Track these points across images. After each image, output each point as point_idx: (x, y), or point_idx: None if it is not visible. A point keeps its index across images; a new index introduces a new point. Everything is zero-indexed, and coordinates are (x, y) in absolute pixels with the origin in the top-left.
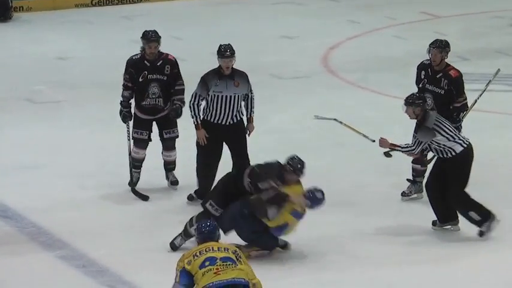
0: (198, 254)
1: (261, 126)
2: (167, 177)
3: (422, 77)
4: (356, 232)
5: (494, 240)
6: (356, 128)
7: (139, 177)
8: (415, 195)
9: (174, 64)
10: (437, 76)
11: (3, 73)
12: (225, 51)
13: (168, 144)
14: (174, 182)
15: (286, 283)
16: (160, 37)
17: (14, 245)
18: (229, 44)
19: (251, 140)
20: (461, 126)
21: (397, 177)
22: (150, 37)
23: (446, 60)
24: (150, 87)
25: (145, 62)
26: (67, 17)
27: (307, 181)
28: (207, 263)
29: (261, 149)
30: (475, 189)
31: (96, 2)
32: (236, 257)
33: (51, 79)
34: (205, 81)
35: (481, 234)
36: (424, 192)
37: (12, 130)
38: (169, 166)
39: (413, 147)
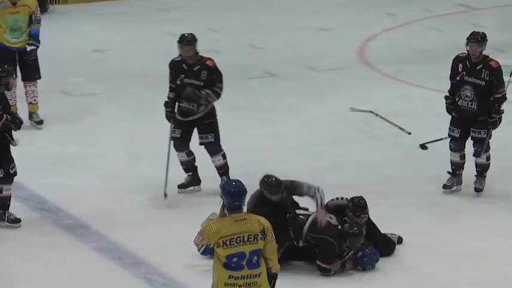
0: (228, 243)
1: (297, 118)
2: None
3: (460, 70)
4: (391, 224)
5: None
6: (392, 121)
7: (189, 182)
8: (456, 188)
9: (211, 70)
10: (478, 68)
11: (42, 65)
12: (182, 39)
13: (207, 150)
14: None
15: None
16: (195, 40)
17: (51, 237)
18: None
19: (289, 132)
20: (502, 118)
21: (434, 170)
22: (183, 41)
23: (483, 52)
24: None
25: (184, 65)
26: (103, 10)
27: (344, 174)
28: (234, 259)
29: (297, 140)
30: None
31: None
32: (262, 235)
33: (87, 71)
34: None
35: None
36: (464, 185)
37: (49, 123)
38: (219, 171)
39: None
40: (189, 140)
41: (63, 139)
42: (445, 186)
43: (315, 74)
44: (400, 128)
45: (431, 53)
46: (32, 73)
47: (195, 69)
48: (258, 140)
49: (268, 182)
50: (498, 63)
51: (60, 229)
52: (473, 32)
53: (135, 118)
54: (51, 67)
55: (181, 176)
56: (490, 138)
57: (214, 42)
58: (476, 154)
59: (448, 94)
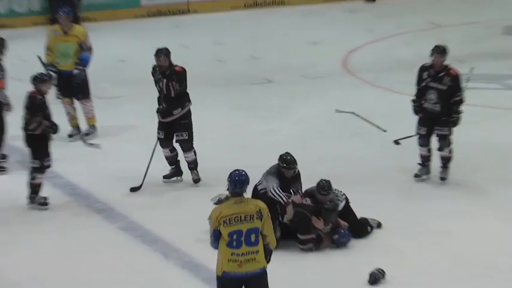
0: (228, 221)
1: (290, 117)
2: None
3: (425, 77)
4: (371, 208)
5: (485, 216)
6: (371, 120)
7: (172, 173)
8: (425, 177)
9: (179, 74)
10: (440, 75)
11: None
12: (159, 53)
13: (182, 147)
14: (196, 180)
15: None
16: (169, 53)
17: (82, 217)
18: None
19: (283, 129)
20: (461, 117)
21: (406, 162)
22: (159, 53)
23: (445, 62)
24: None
25: (159, 72)
26: (126, 26)
27: (329, 165)
28: (234, 236)
29: (290, 136)
30: (470, 172)
31: (152, 13)
32: (258, 216)
33: (112, 78)
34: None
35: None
36: (432, 174)
37: (83, 121)
38: (189, 166)
39: None
40: (172, 139)
41: (92, 134)
42: (416, 176)
43: (305, 81)
44: (378, 127)
45: (404, 63)
46: (79, 92)
47: (167, 73)
48: (257, 135)
49: (287, 158)
50: (457, 71)
51: (91, 211)
52: (436, 45)
53: (150, 118)
54: None
55: (166, 169)
56: (451, 134)
57: (220, 53)
58: (441, 148)
59: (414, 98)
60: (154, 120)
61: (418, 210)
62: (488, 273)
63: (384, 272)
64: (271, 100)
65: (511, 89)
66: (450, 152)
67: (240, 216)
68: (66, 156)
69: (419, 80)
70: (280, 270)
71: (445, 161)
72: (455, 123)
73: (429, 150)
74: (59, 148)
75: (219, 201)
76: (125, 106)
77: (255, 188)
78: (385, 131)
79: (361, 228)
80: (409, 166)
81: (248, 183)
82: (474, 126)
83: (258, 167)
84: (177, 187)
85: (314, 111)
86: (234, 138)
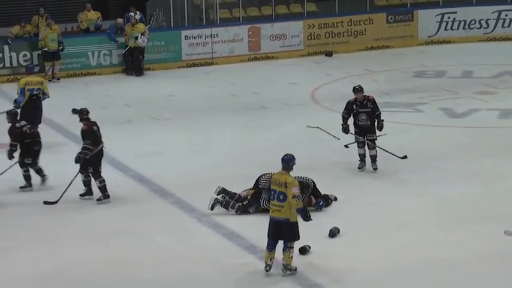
0: (273, 182)
1: (278, 131)
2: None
3: (355, 107)
4: (330, 187)
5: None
6: (329, 132)
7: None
8: (364, 168)
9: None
10: (364, 103)
11: (140, 104)
12: None
13: None
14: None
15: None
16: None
17: (145, 200)
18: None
19: (274, 138)
20: (383, 126)
21: (353, 158)
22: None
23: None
24: None
25: None
26: (173, 73)
27: (305, 161)
28: (272, 194)
29: (278, 143)
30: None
31: (189, 65)
32: (285, 185)
33: (164, 106)
34: None
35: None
36: (368, 166)
37: (145, 134)
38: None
39: None
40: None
41: (151, 143)
42: (358, 167)
43: (287, 107)
44: (334, 136)
45: (349, 96)
46: None
47: None
48: (257, 141)
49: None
50: (373, 96)
51: (153, 193)
52: (356, 86)
53: (190, 133)
54: (145, 104)
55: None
56: (376, 139)
57: (233, 90)
58: (370, 147)
59: (342, 123)
60: (193, 135)
61: (359, 189)
62: (405, 226)
63: (338, 229)
64: (266, 120)
65: (418, 112)
66: (376, 151)
67: (278, 182)
68: (135, 155)
69: (350, 109)
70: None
71: (374, 157)
72: (380, 128)
73: (364, 150)
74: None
75: (213, 206)
76: (172, 125)
77: (258, 181)
78: (338, 139)
79: (326, 199)
80: (353, 161)
81: (290, 163)
82: (392, 136)
83: (257, 162)
84: (213, 174)
85: (293, 127)
86: (242, 143)
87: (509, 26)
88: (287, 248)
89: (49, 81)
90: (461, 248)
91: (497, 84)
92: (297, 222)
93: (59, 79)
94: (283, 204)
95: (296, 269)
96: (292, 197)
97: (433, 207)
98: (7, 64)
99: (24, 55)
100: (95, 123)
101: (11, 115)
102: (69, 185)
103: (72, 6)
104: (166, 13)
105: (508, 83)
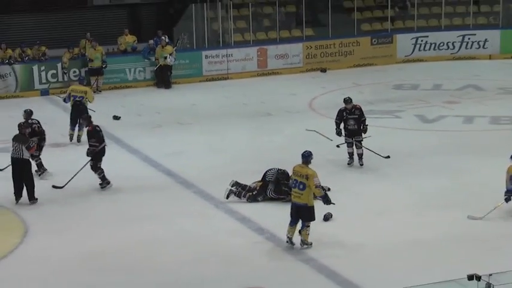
0: (294, 174)
1: (281, 134)
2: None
3: (345, 114)
4: (325, 179)
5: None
6: (324, 134)
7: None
8: (352, 163)
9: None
10: (352, 110)
11: (168, 111)
12: None
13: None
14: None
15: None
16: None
17: (170, 190)
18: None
19: (278, 140)
20: (367, 129)
21: (343, 156)
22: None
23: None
24: None
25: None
26: (195, 86)
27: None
28: (293, 183)
29: (282, 144)
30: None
31: (208, 79)
32: (306, 177)
33: (188, 113)
34: None
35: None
36: (355, 163)
37: (172, 136)
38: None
39: None
40: None
41: (175, 144)
42: (348, 163)
43: (289, 114)
44: (328, 138)
45: (340, 105)
46: None
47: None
48: (264, 142)
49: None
50: (360, 105)
51: (179, 185)
52: (346, 97)
53: (210, 135)
54: (173, 111)
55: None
56: (362, 140)
57: (244, 100)
58: (357, 147)
59: (336, 127)
60: (212, 135)
61: (349, 181)
62: (386, 211)
63: (331, 214)
64: (271, 125)
65: (397, 118)
66: (362, 150)
67: (299, 173)
68: (164, 154)
69: (341, 116)
70: (275, 210)
71: (361, 155)
72: (365, 131)
73: (353, 150)
74: (161, 147)
75: (228, 196)
76: (192, 128)
77: (265, 174)
78: (331, 140)
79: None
80: (343, 158)
81: (309, 158)
82: (376, 138)
83: (265, 159)
84: (230, 168)
85: (294, 130)
86: (252, 143)
87: (471, 47)
88: (305, 227)
89: (93, 92)
90: (433, 229)
91: (462, 95)
92: (313, 207)
93: (101, 91)
94: (302, 192)
95: (312, 243)
96: (316, 187)
97: (409, 196)
98: (60, 79)
99: (74, 71)
100: (97, 126)
101: (27, 113)
102: (77, 173)
103: (113, 31)
104: (190, 37)
105: (471, 94)
